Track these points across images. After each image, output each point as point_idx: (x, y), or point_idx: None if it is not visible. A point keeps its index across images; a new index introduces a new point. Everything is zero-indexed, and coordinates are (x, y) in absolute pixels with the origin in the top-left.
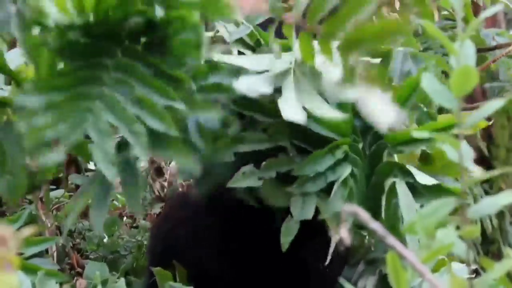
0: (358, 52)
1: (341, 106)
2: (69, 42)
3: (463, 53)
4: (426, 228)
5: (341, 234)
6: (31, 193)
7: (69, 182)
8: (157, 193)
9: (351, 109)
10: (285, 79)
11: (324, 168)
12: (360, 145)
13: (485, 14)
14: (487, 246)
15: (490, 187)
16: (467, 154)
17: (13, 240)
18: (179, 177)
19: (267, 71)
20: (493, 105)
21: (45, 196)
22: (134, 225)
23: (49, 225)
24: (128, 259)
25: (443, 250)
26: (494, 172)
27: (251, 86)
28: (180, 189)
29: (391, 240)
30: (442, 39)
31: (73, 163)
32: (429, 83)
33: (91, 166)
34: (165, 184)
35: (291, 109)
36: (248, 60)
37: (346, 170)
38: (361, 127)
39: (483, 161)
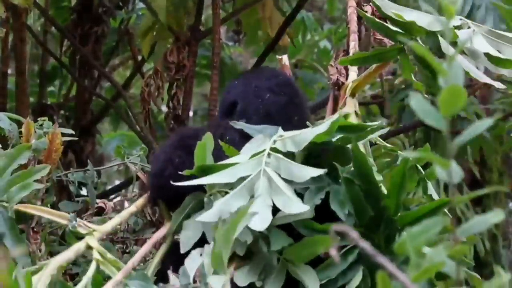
0: None
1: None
2: None
3: (452, 73)
4: (416, 247)
5: (331, 253)
6: (23, 223)
7: (60, 209)
8: (148, 217)
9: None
10: (256, 184)
11: (336, 274)
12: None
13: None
14: (481, 269)
15: (482, 210)
16: (456, 174)
17: (4, 261)
18: None
19: (243, 178)
20: (482, 124)
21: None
22: (127, 250)
23: (39, 254)
24: None
25: (433, 269)
26: (483, 191)
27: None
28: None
29: (381, 259)
30: (430, 59)
31: (65, 190)
32: (417, 103)
33: (83, 192)
34: (157, 209)
35: (256, 219)
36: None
37: (357, 275)
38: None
39: (476, 185)
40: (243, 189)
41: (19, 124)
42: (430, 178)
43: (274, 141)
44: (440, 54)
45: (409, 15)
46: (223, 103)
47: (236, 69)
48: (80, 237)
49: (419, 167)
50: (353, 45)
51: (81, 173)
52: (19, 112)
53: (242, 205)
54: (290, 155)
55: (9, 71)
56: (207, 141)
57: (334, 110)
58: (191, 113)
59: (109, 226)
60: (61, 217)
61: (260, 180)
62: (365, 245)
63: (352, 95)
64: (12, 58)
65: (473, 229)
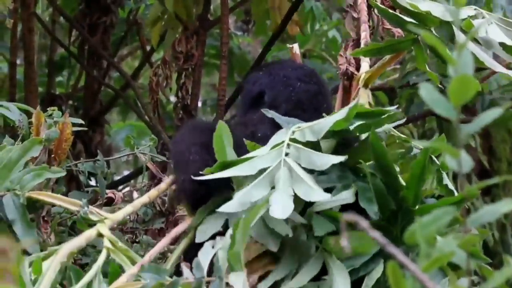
0: None
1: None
2: None
3: (462, 62)
4: (426, 237)
5: (342, 244)
6: (34, 213)
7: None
8: (158, 208)
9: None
10: (277, 174)
11: (359, 264)
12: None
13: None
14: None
15: (491, 200)
16: (466, 163)
17: (13, 252)
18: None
19: (264, 169)
20: (491, 114)
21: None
22: (136, 240)
23: (50, 243)
24: None
25: (443, 259)
26: (493, 181)
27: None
28: None
29: (392, 249)
30: (440, 49)
31: (74, 180)
32: (427, 93)
33: (92, 182)
34: (166, 199)
35: (278, 207)
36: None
37: (379, 267)
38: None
39: (485, 174)
40: (264, 180)
41: (28, 114)
42: (445, 168)
43: (293, 132)
44: (454, 44)
45: (423, 5)
46: (247, 95)
47: (244, 59)
48: (91, 224)
49: (434, 158)
50: (364, 35)
51: (90, 163)
52: (28, 102)
53: (263, 196)
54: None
55: (18, 61)
56: (224, 134)
57: (343, 100)
58: (199, 103)
59: (120, 214)
60: (72, 204)
61: (280, 170)
62: (376, 235)
63: (365, 85)
64: (21, 48)
65: (483, 219)
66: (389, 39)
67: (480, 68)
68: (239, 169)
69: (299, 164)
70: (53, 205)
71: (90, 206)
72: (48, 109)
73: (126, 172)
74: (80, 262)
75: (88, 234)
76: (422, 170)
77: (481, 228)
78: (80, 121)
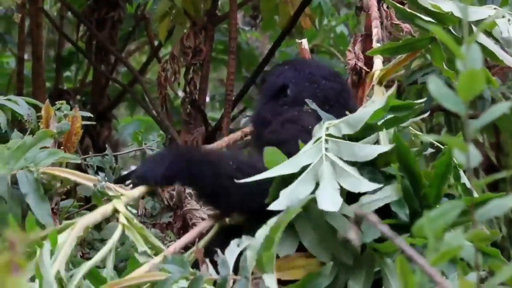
0: None
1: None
2: None
3: (470, 57)
4: (434, 231)
5: (350, 236)
6: None
7: (78, 192)
8: (166, 202)
9: None
10: (320, 169)
11: None
12: None
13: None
14: None
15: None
16: (475, 158)
17: (21, 244)
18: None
19: (307, 166)
20: (498, 108)
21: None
22: None
23: None
24: None
25: (451, 253)
26: (500, 175)
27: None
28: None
29: (400, 242)
30: (450, 43)
31: None
32: (436, 87)
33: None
34: (174, 193)
35: (327, 200)
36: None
37: None
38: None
39: (492, 170)
40: (308, 176)
41: (36, 108)
42: (462, 166)
43: (327, 128)
44: None
45: (445, 5)
46: (270, 86)
47: (252, 54)
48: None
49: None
50: (376, 32)
51: (99, 157)
52: (36, 97)
53: (309, 191)
54: None
55: (26, 57)
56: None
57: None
58: (207, 98)
59: (136, 192)
60: (88, 180)
61: (323, 165)
62: (384, 228)
63: (380, 83)
64: (29, 43)
65: (491, 213)
66: (407, 37)
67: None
68: (282, 168)
69: (341, 158)
70: (62, 199)
71: (107, 182)
72: (56, 103)
73: (133, 167)
74: (88, 255)
75: (104, 210)
76: (445, 169)
77: (488, 224)
78: (89, 114)
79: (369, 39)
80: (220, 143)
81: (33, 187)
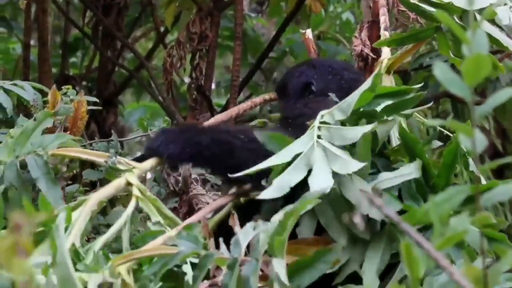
0: None
1: None
2: None
3: (476, 42)
4: (440, 216)
5: (355, 220)
6: None
7: (83, 177)
8: (171, 187)
9: None
10: (312, 156)
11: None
12: None
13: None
14: None
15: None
16: (481, 143)
17: (26, 227)
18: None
19: (299, 154)
20: (504, 94)
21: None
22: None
23: None
24: None
25: (456, 237)
26: (506, 160)
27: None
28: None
29: (406, 226)
30: (454, 27)
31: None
32: (442, 72)
33: None
34: (180, 178)
35: (318, 181)
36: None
37: None
38: None
39: (498, 157)
40: (300, 163)
41: (42, 93)
42: (471, 154)
43: (322, 116)
44: None
45: None
46: (294, 87)
47: (258, 40)
48: None
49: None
50: (384, 20)
51: (105, 143)
52: (42, 83)
53: (300, 179)
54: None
55: (32, 42)
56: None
57: None
58: (213, 85)
59: (148, 164)
60: (99, 156)
61: (314, 151)
62: (390, 212)
63: (388, 72)
64: (35, 29)
65: (496, 198)
66: (412, 28)
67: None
68: (276, 157)
69: (332, 144)
70: (67, 185)
71: (118, 157)
72: (62, 87)
73: (139, 153)
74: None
75: (117, 183)
76: (453, 158)
77: (494, 212)
78: (94, 99)
79: (376, 25)
80: (230, 112)
81: (43, 171)
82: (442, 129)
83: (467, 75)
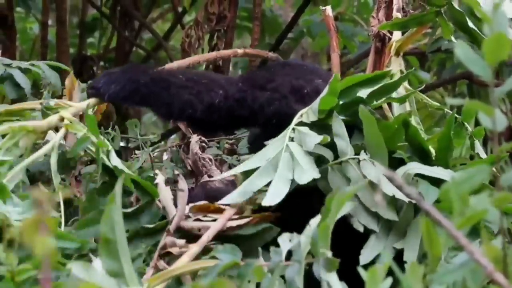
0: None
1: None
2: None
3: (497, 21)
4: (460, 195)
5: (376, 198)
6: (66, 173)
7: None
8: (189, 168)
9: None
10: (279, 159)
11: None
12: None
13: None
14: None
15: None
16: (501, 121)
17: (48, 204)
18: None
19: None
20: None
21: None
22: None
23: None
24: None
25: (476, 217)
26: None
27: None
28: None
29: (426, 205)
30: (475, 7)
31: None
32: (463, 51)
33: (122, 143)
34: (197, 158)
35: (270, 196)
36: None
37: None
38: None
39: None
40: (268, 167)
41: (60, 73)
42: (478, 136)
43: (301, 115)
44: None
45: None
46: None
47: (276, 21)
48: None
49: (467, 125)
50: (397, 1)
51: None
52: (60, 62)
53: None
54: None
55: (49, 22)
56: None
57: (375, 62)
58: (230, 65)
59: (84, 104)
60: (35, 104)
61: (282, 156)
62: (412, 190)
63: (397, 54)
64: (52, 9)
65: None
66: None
67: None
68: (250, 162)
69: (302, 147)
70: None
71: (52, 99)
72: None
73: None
74: None
75: (51, 118)
76: (448, 142)
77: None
78: None
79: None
80: (190, 60)
81: None
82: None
83: (488, 54)
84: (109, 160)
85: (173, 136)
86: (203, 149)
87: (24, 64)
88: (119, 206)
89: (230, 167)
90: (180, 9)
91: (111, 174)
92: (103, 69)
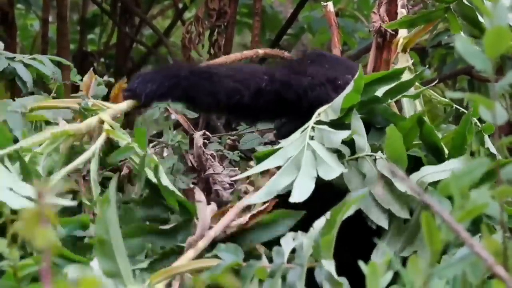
0: None
1: None
2: None
3: (497, 14)
4: (460, 188)
5: (376, 192)
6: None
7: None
8: (190, 163)
9: None
10: (302, 158)
11: None
12: None
13: None
14: None
15: None
16: (501, 115)
17: (49, 196)
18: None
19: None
20: None
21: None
22: None
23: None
24: None
25: (477, 210)
26: None
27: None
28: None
29: (427, 198)
30: (476, 1)
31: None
32: (462, 44)
33: None
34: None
35: (297, 192)
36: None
37: None
38: None
39: None
40: (290, 166)
41: (61, 67)
42: (487, 131)
43: (319, 114)
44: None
45: None
46: None
47: (276, 18)
48: None
49: (476, 120)
50: None
51: None
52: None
53: (288, 182)
54: None
55: (50, 19)
56: None
57: (376, 58)
58: None
59: (124, 105)
60: (73, 103)
61: (304, 154)
62: (412, 183)
63: (404, 50)
64: (53, 6)
65: None
66: (413, 9)
67: None
68: (270, 161)
69: (323, 145)
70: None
71: (91, 99)
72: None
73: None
74: None
75: (89, 121)
76: (462, 140)
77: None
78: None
79: (394, 1)
80: (218, 61)
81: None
82: (459, 107)
83: (488, 47)
84: (156, 177)
85: (174, 132)
86: (205, 145)
87: (26, 58)
88: (113, 206)
89: (231, 162)
90: (180, 5)
91: (152, 187)
92: (104, 65)
